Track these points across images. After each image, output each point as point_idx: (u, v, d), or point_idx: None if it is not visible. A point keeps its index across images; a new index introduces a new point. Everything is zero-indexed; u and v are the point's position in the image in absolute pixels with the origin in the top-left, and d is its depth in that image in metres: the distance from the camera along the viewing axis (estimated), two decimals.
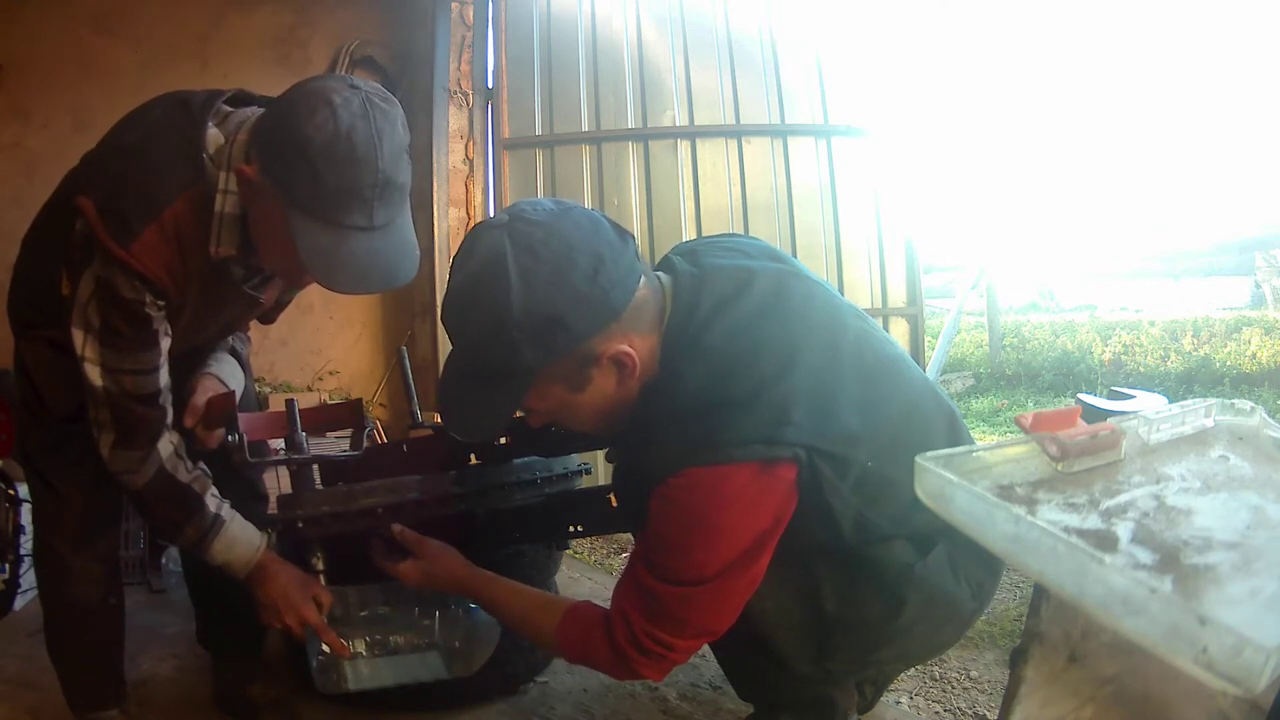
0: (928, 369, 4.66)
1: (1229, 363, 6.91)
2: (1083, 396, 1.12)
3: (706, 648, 1.33)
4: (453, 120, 3.53)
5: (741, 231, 3.24)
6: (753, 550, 1.11)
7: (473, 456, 1.54)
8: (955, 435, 1.28)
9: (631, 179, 3.31)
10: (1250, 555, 0.80)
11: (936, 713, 1.79)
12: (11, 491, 2.36)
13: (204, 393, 1.49)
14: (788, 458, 1.08)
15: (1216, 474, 0.98)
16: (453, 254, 1.25)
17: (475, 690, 1.65)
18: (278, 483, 2.17)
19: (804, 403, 1.10)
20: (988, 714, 1.77)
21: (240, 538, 1.42)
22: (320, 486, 1.55)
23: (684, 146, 3.32)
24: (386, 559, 1.42)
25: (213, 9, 3.51)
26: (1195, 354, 7.29)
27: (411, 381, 1.69)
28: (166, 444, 1.36)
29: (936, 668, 1.95)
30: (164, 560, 2.40)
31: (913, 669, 1.89)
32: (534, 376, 1.12)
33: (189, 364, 1.51)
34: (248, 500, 1.56)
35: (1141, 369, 7.16)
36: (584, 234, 1.10)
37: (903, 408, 1.23)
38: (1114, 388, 1.18)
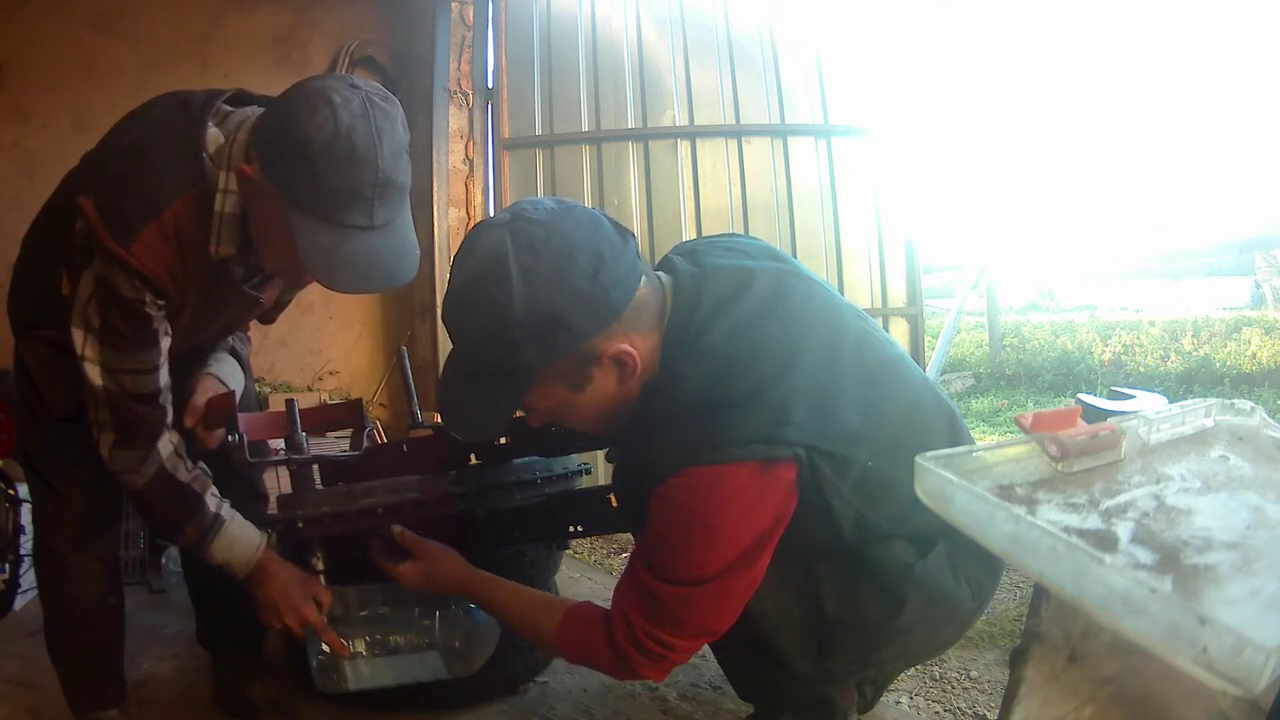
0: (928, 369, 4.65)
1: (1229, 363, 6.91)
2: (1083, 396, 1.12)
3: (706, 648, 1.33)
4: (453, 120, 3.53)
5: (741, 231, 3.24)
6: (753, 550, 1.11)
7: (473, 456, 1.54)
8: (955, 435, 1.28)
9: (631, 179, 3.31)
10: (1250, 555, 0.80)
11: (936, 713, 1.79)
12: (11, 491, 2.36)
13: (204, 393, 1.49)
14: (788, 457, 1.08)
15: (1216, 474, 0.98)
16: (453, 254, 1.25)
17: (475, 690, 1.65)
18: (278, 483, 2.17)
19: (804, 402, 1.10)
20: (988, 714, 1.77)
21: (240, 537, 1.42)
22: (320, 486, 1.55)
23: (684, 146, 3.32)
24: (386, 560, 1.42)
25: (213, 9, 3.51)
26: (1195, 354, 7.29)
27: (411, 381, 1.69)
28: (166, 444, 1.36)
29: (936, 668, 1.95)
30: (164, 560, 2.40)
31: (913, 669, 1.89)
32: (535, 376, 1.12)
33: (189, 364, 1.51)
34: (248, 500, 1.56)
35: (1141, 369, 7.16)
36: (585, 233, 1.10)
37: (903, 408, 1.23)
38: (1114, 388, 1.18)
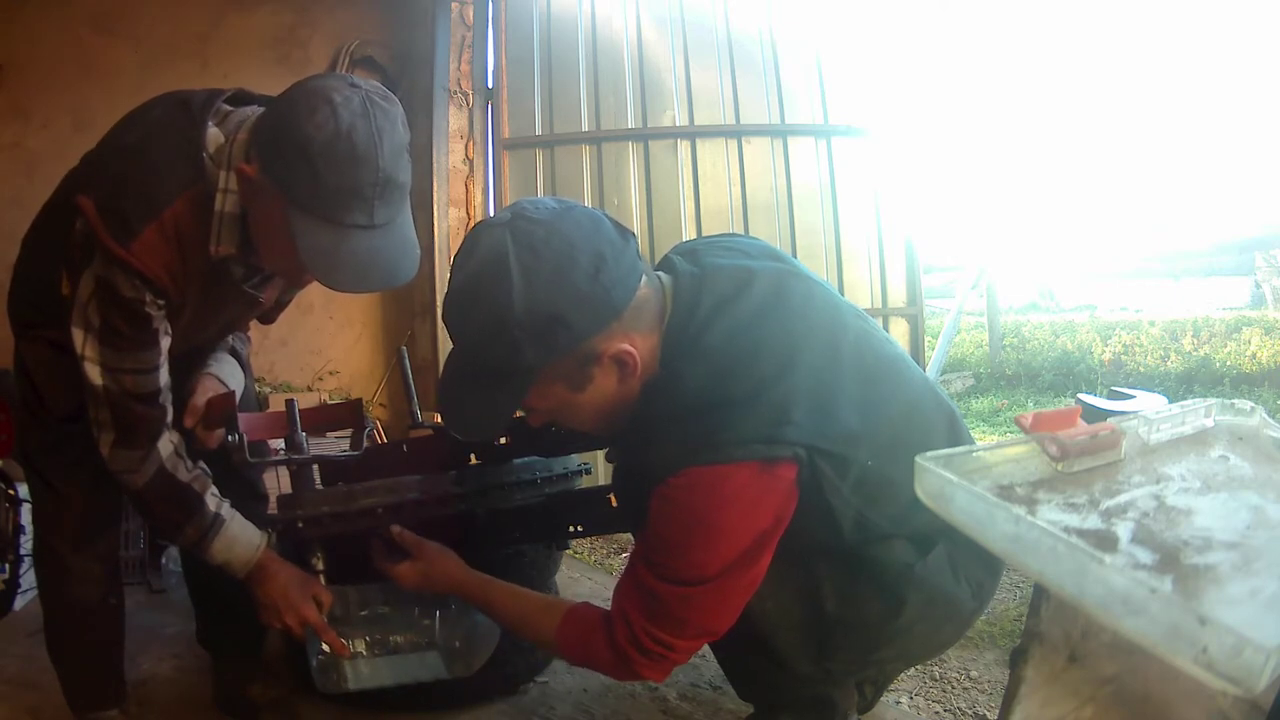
0: (928, 369, 4.65)
1: (1229, 363, 6.91)
2: (1083, 396, 1.12)
3: (706, 648, 1.33)
4: (453, 120, 3.53)
5: (741, 231, 3.24)
6: (753, 550, 1.11)
7: (473, 456, 1.54)
8: (955, 435, 1.28)
9: (631, 179, 3.31)
10: (1250, 555, 0.80)
11: (936, 713, 1.79)
12: (11, 491, 2.36)
13: (204, 393, 1.49)
14: (788, 457, 1.08)
15: (1216, 474, 0.98)
16: (453, 254, 1.25)
17: (475, 690, 1.65)
18: (278, 483, 2.17)
19: (804, 402, 1.10)
20: (988, 714, 1.77)
21: (240, 537, 1.42)
22: (320, 486, 1.55)
23: (684, 146, 3.32)
24: (385, 560, 1.42)
25: (213, 9, 3.51)
26: (1195, 354, 7.30)
27: (411, 381, 1.69)
28: (166, 443, 1.36)
29: (936, 668, 1.95)
30: (164, 560, 2.40)
31: (913, 669, 1.89)
32: (535, 375, 1.12)
33: (189, 364, 1.51)
34: (248, 500, 1.56)
35: (1141, 369, 7.16)
36: (585, 233, 1.10)
37: (903, 408, 1.23)
38: (1114, 388, 1.18)
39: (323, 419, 1.66)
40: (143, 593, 2.33)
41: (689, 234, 3.24)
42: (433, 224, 3.39)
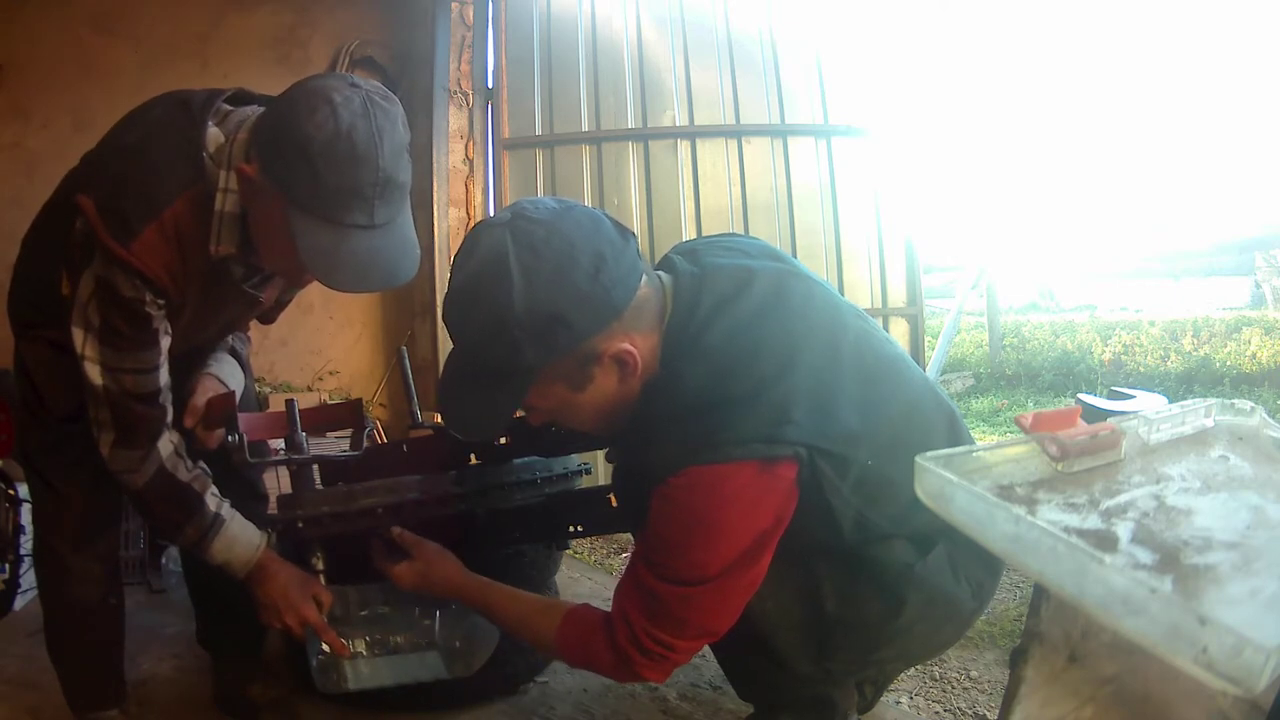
0: (928, 369, 4.65)
1: (1229, 363, 6.92)
2: (1083, 396, 1.12)
3: (707, 648, 1.33)
4: (453, 120, 3.53)
5: (741, 231, 3.24)
6: (754, 550, 1.11)
7: (473, 456, 1.54)
8: (955, 435, 1.28)
9: (631, 179, 3.31)
10: (1250, 555, 0.79)
11: (936, 713, 1.79)
12: (11, 491, 2.36)
13: (204, 393, 1.49)
14: (788, 456, 1.08)
15: (1216, 474, 0.98)
16: (453, 254, 1.25)
17: (475, 690, 1.65)
18: (278, 483, 2.17)
19: (804, 402, 1.10)
20: (988, 714, 1.77)
21: (240, 537, 1.42)
22: (320, 486, 1.55)
23: (684, 146, 3.32)
24: (385, 560, 1.42)
25: (213, 9, 3.51)
26: (1195, 354, 7.30)
27: (411, 381, 1.69)
28: (166, 443, 1.37)
29: (936, 668, 1.95)
30: (164, 560, 2.40)
31: (913, 669, 1.89)
32: (535, 375, 1.12)
33: (189, 364, 1.51)
34: (248, 500, 1.56)
35: (1141, 369, 7.17)
36: (585, 232, 1.10)
37: (903, 407, 1.22)
38: (1114, 388, 1.18)
39: (323, 419, 1.66)
40: (143, 593, 2.33)
41: (689, 234, 3.24)
42: (433, 224, 3.39)
